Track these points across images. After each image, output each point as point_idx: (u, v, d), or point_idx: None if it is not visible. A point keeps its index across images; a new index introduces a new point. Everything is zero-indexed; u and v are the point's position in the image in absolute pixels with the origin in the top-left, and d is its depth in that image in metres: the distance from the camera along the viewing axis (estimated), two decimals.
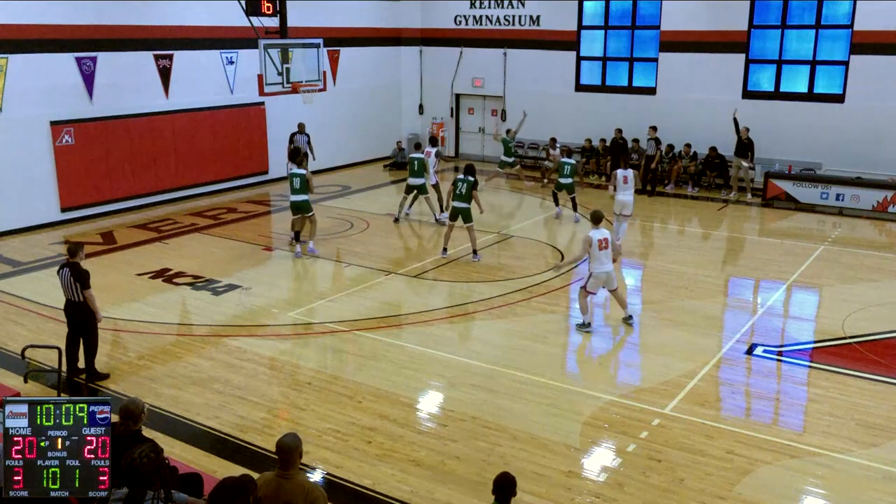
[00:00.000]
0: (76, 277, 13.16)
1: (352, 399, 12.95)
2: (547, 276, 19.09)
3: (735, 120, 27.48)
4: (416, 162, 23.88)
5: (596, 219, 15.84)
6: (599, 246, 15.53)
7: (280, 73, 22.46)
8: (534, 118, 32.90)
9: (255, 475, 7.36)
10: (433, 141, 26.05)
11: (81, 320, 13.44)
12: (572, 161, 24.98)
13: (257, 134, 29.13)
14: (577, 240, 22.62)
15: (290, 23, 24.48)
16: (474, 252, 20.33)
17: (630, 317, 16.19)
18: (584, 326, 15.79)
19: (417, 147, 24.70)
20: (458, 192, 20.29)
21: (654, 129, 28.92)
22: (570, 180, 24.73)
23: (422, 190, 24.04)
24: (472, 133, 35.59)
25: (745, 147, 27.74)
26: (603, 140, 31.07)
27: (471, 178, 20.28)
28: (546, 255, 21.07)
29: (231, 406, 12.73)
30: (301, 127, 28.54)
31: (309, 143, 28.56)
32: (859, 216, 25.43)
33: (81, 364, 13.82)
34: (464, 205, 20.20)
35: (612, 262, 15.79)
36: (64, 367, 12.89)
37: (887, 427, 12.13)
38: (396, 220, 24.27)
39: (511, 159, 29.02)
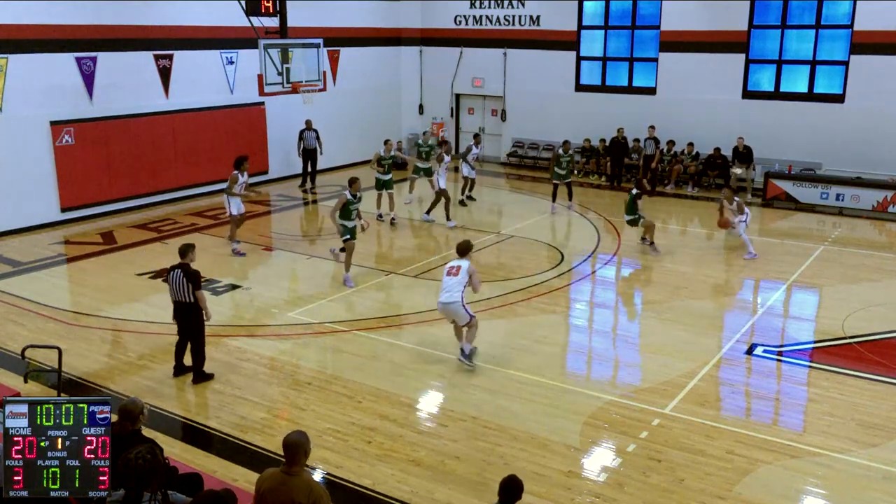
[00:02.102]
0: (188, 278, 13.28)
1: (352, 399, 12.96)
2: (547, 276, 19.11)
3: (731, 173, 27.72)
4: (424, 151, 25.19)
5: (459, 249, 14.22)
6: (448, 272, 13.96)
7: (280, 73, 22.51)
8: (534, 118, 33.15)
9: (255, 475, 7.36)
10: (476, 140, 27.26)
11: (191, 321, 13.51)
12: (569, 155, 25.33)
13: (257, 134, 29.17)
14: (575, 231, 22.76)
15: (290, 23, 24.52)
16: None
17: (467, 366, 14.05)
18: (464, 356, 14.10)
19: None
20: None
21: (653, 128, 28.99)
22: (564, 171, 25.21)
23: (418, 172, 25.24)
24: (473, 133, 35.37)
25: (743, 156, 27.83)
26: (603, 140, 31.08)
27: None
28: (546, 255, 21.12)
29: (231, 406, 12.74)
30: (308, 123, 28.92)
31: (317, 138, 29.12)
32: (859, 216, 25.43)
33: (182, 363, 14.02)
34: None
35: (455, 291, 13.83)
36: (63, 367, 12.90)
37: (887, 427, 12.13)
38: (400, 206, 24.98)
39: (427, 164, 25.67)
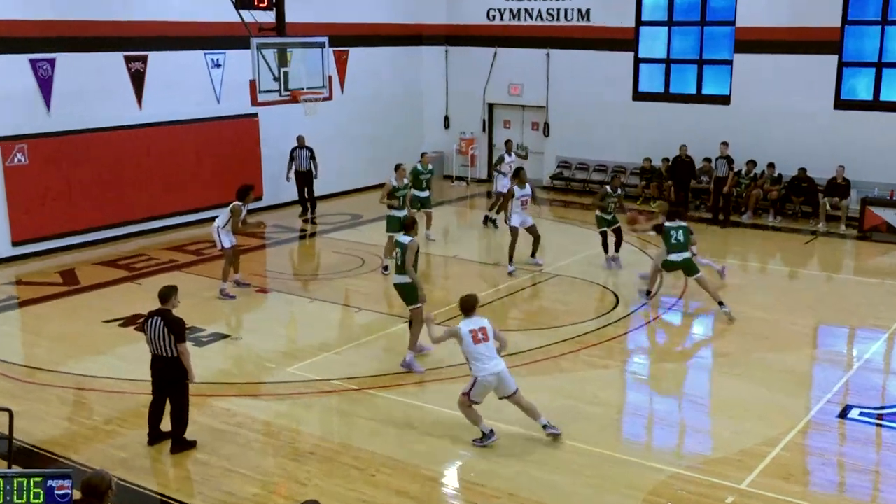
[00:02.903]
0: (170, 328, 13.34)
1: (363, 472, 13.03)
2: (599, 324, 19.23)
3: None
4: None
5: (467, 307, 14.17)
6: (474, 339, 13.79)
7: (277, 79, 22.74)
8: (583, 133, 33.33)
9: None
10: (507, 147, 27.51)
11: (172, 379, 13.54)
12: (617, 194, 23.62)
13: (249, 151, 29.46)
14: (633, 270, 22.86)
15: (289, 18, 24.77)
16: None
17: (554, 434, 14.02)
18: (485, 439, 13.90)
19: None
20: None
21: (725, 145, 28.98)
22: (610, 217, 23.43)
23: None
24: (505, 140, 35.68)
25: (840, 188, 27.91)
26: (666, 159, 31.17)
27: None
28: (597, 297, 21.25)
29: (218, 480, 12.83)
30: (301, 141, 29.03)
31: (312, 157, 29.12)
32: None
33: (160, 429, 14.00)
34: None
35: (499, 356, 13.99)
36: (13, 434, 12.93)
37: None
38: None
39: (426, 193, 25.96)
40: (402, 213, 23.55)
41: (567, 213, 30.39)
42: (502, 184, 26.86)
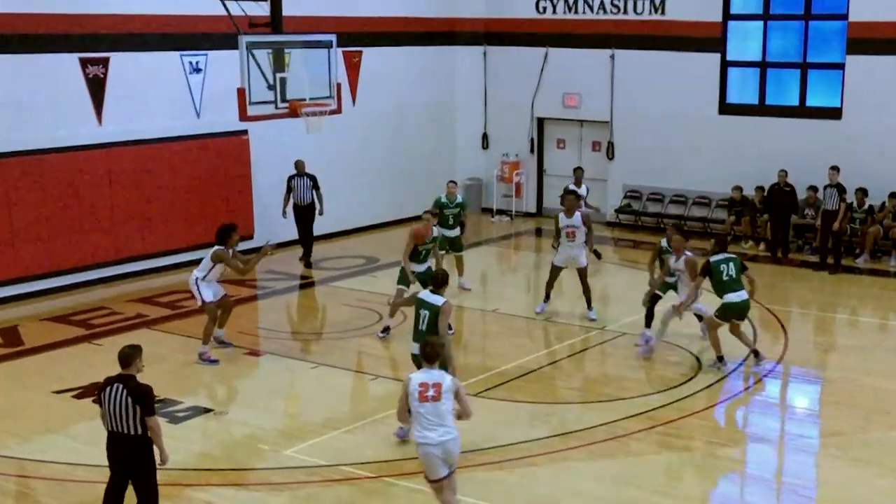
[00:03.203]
0: (135, 398, 13.09)
1: None
2: (676, 395, 19.17)
3: None
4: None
5: (429, 354, 13.66)
6: (421, 395, 13.29)
7: (272, 87, 22.58)
8: (656, 155, 33.37)
9: None
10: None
11: (137, 462, 13.32)
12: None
13: (237, 178, 29.50)
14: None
15: (287, 10, 24.11)
16: None
17: None
18: None
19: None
20: None
21: (836, 170, 28.80)
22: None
23: None
24: (565, 178, 34.85)
25: None
26: (760, 188, 31.03)
27: None
28: (674, 361, 21.17)
29: None
30: (300, 167, 28.89)
31: (315, 187, 28.93)
32: None
33: None
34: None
35: (452, 425, 13.45)
36: None
37: None
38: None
39: (454, 232, 25.98)
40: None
41: (637, 255, 30.24)
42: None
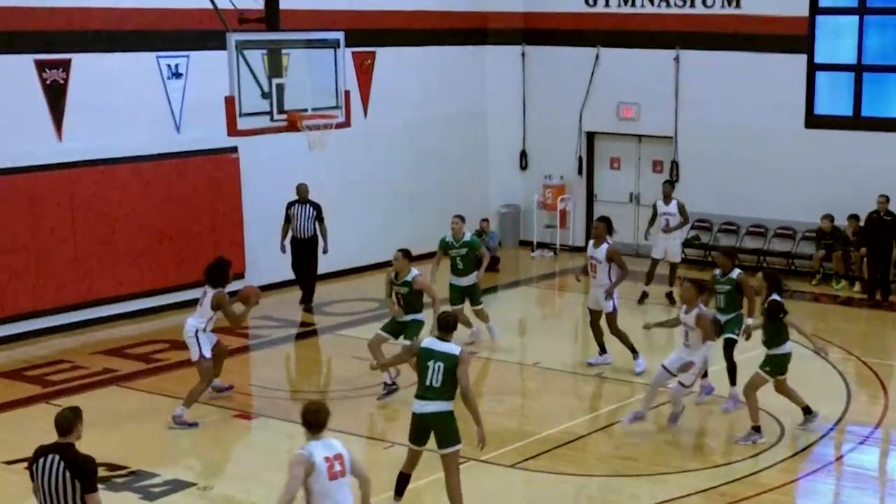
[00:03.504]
0: (75, 472, 12.68)
1: None
2: (753, 467, 19.33)
3: None
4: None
5: (313, 421, 13.60)
6: (330, 471, 13.30)
7: (267, 96, 22.78)
8: (730, 177, 33.77)
9: None
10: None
11: None
12: (731, 278, 22.53)
13: (225, 204, 29.77)
14: (806, 381, 22.85)
15: (286, 3, 24.05)
16: None
17: None
18: None
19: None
20: None
21: None
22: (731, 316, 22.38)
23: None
24: (620, 204, 36.01)
25: None
26: (855, 217, 31.36)
27: None
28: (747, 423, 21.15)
29: None
30: (302, 192, 29.05)
31: (318, 218, 29.05)
32: None
33: None
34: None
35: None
36: None
37: None
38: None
39: (466, 280, 25.90)
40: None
41: (708, 298, 30.41)
42: (663, 247, 27.44)
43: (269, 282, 29.83)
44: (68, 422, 12.85)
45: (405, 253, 22.71)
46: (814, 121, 32.87)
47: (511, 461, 18.78)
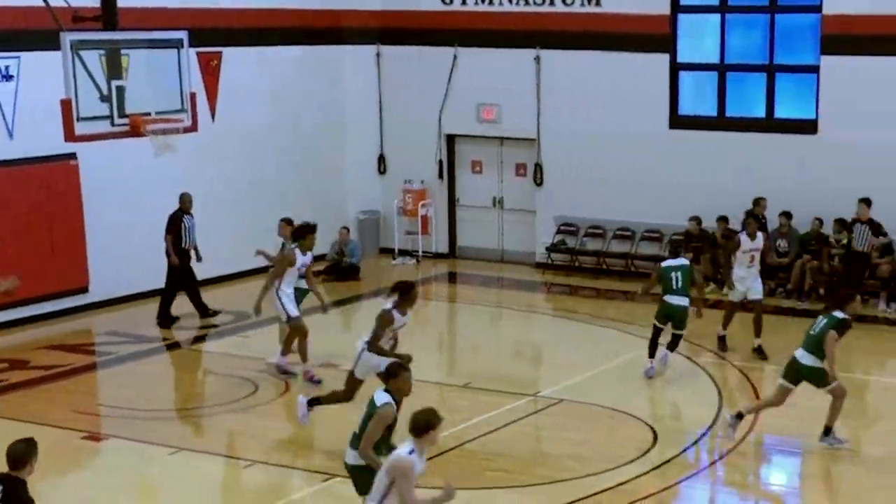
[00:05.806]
0: None
1: None
2: (629, 475, 18.97)
3: None
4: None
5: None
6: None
7: (106, 99, 22.42)
8: (594, 180, 33.49)
9: None
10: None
11: None
12: (683, 263, 24.19)
13: (65, 216, 29.03)
14: (676, 399, 22.61)
15: (123, 2, 24.01)
16: None
17: None
18: None
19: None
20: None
21: (867, 203, 28.73)
22: (683, 301, 23.93)
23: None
24: (481, 209, 36.06)
25: None
26: (724, 219, 31.35)
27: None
28: (625, 434, 21.15)
29: None
30: (185, 202, 28.50)
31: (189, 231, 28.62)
32: None
33: None
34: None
35: None
36: None
37: None
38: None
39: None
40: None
41: (574, 303, 30.38)
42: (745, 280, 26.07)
43: (112, 294, 30.13)
44: (23, 456, 12.69)
45: (288, 222, 24.90)
46: (678, 121, 32.95)
47: None
